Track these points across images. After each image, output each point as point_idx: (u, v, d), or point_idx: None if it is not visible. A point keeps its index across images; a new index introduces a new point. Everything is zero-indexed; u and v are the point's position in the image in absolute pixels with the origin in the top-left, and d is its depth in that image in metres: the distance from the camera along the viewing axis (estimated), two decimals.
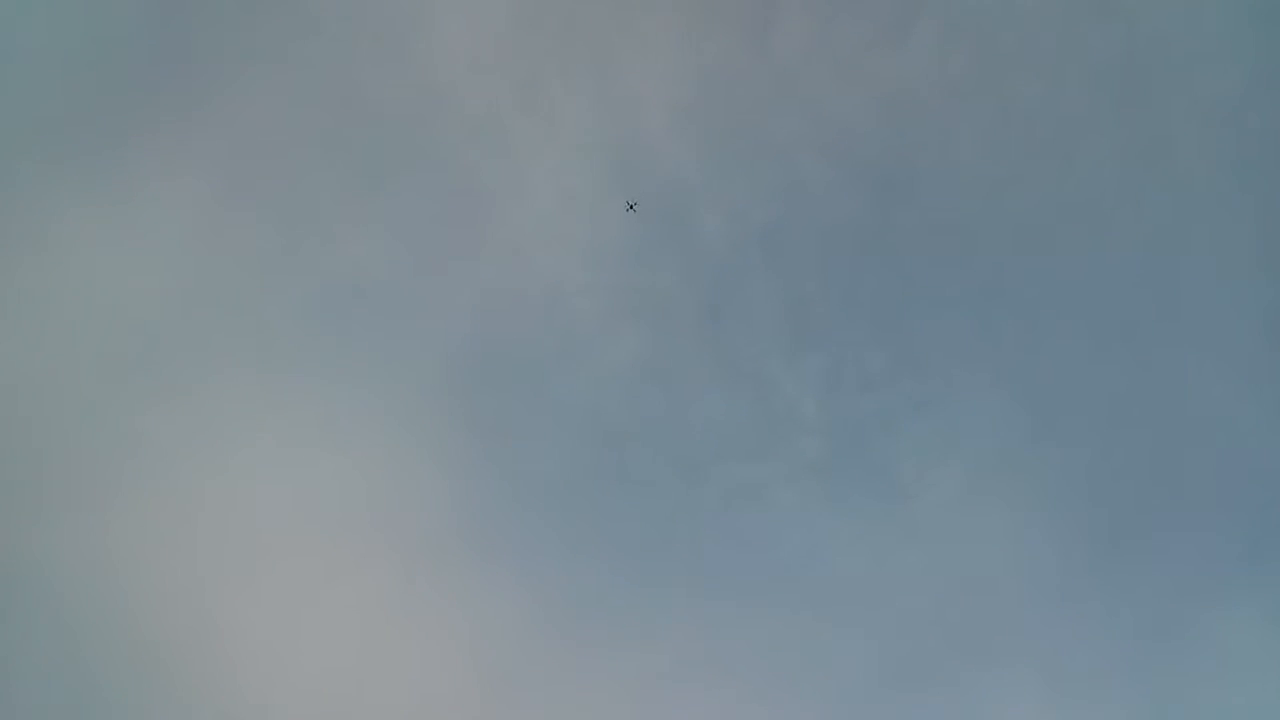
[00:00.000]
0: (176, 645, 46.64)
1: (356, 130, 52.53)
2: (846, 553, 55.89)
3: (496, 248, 53.84)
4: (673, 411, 54.94)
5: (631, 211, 54.50)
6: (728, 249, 55.74)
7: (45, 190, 50.56)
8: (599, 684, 52.08)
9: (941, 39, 56.70)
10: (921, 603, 56.05)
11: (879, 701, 54.25)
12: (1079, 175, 56.70)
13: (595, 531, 54.38)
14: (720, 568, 55.15)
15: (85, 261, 50.18)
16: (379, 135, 52.72)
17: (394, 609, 50.60)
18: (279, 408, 50.58)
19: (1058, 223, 57.35)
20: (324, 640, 49.97)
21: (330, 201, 51.85)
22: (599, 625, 53.20)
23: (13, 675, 45.09)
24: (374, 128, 52.70)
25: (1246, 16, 54.59)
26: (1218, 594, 54.68)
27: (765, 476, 55.56)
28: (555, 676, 51.66)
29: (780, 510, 55.81)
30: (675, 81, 55.70)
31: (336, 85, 52.25)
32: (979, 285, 57.99)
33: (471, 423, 53.25)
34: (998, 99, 56.70)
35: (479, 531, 52.76)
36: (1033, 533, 56.15)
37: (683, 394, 54.95)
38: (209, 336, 49.25)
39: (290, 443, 50.47)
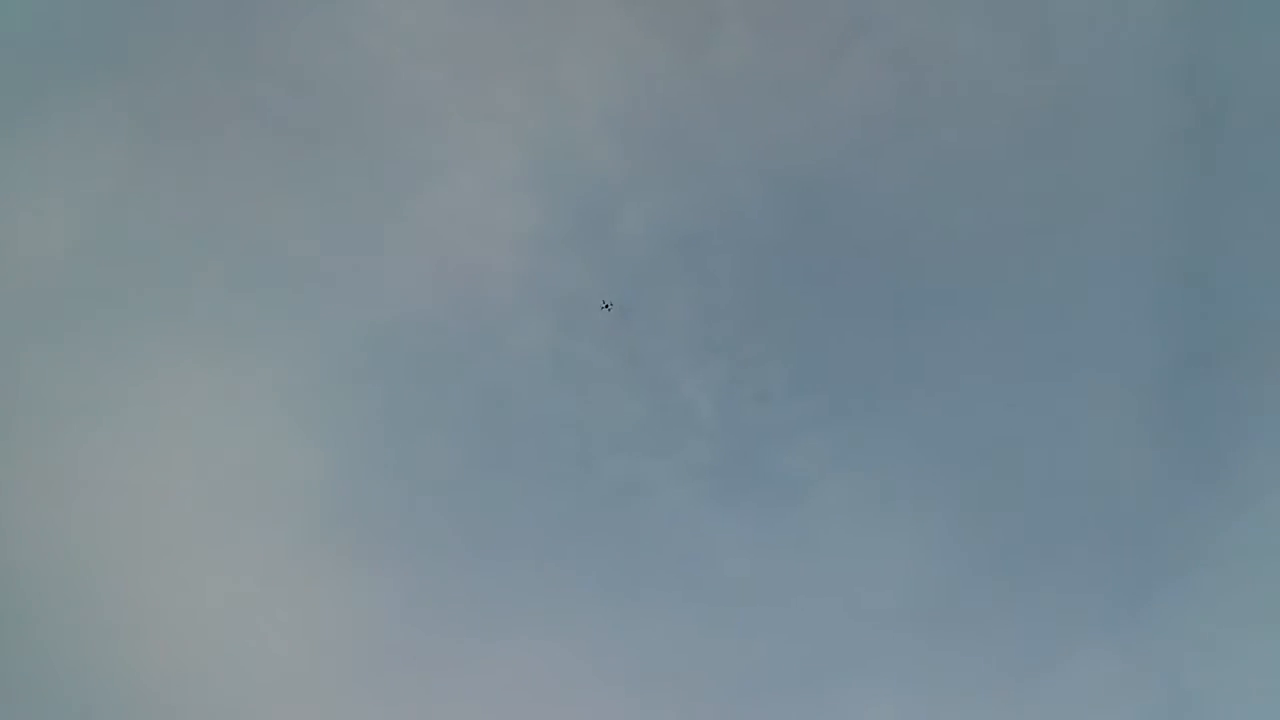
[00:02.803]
0: (46, 610, 48.57)
1: (288, 102, 53.94)
2: (731, 556, 58.14)
3: (417, 231, 55.35)
4: (573, 404, 56.85)
5: (607, 310, 56.26)
6: (646, 253, 57.38)
7: None
8: (475, 678, 54.31)
9: (877, 68, 57.96)
10: (799, 612, 58.29)
11: (747, 705, 56.58)
12: (994, 215, 58.19)
13: (487, 522, 56.43)
14: (607, 564, 57.32)
15: None
16: (310, 109, 54.14)
17: (273, 588, 52.56)
18: (177, 375, 52.24)
19: (971, 259, 58.90)
20: (199, 612, 52.00)
21: (255, 171, 53.32)
22: (481, 617, 55.33)
23: None
24: (306, 101, 54.11)
25: (1168, 78, 55.85)
26: (1084, 632, 56.84)
27: (657, 474, 57.64)
28: (430, 668, 53.80)
29: (669, 509, 57.93)
30: (612, 84, 56.98)
31: (272, 55, 53.61)
32: (889, 312, 59.65)
33: (374, 405, 55.02)
34: (924, 132, 58.03)
35: (370, 516, 54.67)
36: (914, 556, 58.26)
37: (585, 388, 56.81)
38: (113, 297, 50.87)
39: (185, 410, 52.20)
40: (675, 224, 57.27)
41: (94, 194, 49.42)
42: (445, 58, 55.29)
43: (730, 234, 57.98)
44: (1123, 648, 55.32)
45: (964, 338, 59.27)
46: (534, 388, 56.42)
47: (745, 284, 58.39)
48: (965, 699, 56.01)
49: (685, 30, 58.08)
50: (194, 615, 51.07)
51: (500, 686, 53.10)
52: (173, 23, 50.99)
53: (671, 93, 57.72)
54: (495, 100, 55.75)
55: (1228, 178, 56.91)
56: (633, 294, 56.85)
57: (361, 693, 52.64)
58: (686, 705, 55.56)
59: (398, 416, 55.05)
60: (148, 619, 50.43)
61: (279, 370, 52.67)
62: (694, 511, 57.51)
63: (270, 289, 52.39)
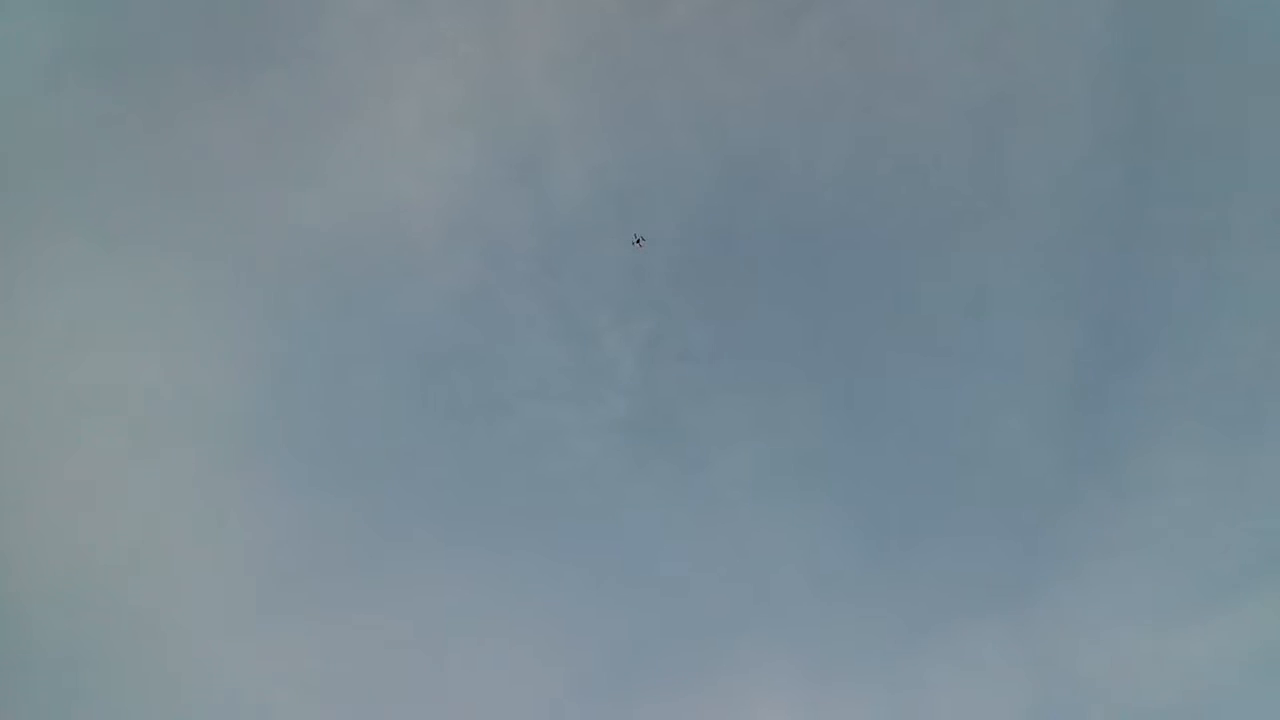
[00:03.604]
0: None
1: (234, 15, 53.04)
2: (634, 511, 58.96)
3: (353, 155, 54.99)
4: (495, 344, 57.10)
5: (638, 245, 56.39)
6: (580, 202, 57.55)
7: None
8: (361, 611, 54.21)
9: (825, 45, 58.63)
10: (699, 572, 59.30)
11: (639, 659, 57.42)
12: (927, 200, 59.17)
13: (398, 454, 56.61)
14: (512, 505, 57.73)
15: None
16: (258, 23, 53.33)
17: (185, 496, 52.20)
18: (104, 277, 51.36)
19: (903, 239, 59.97)
20: (116, 514, 51.54)
21: (199, 82, 52.50)
22: (379, 551, 55.50)
23: None
24: (254, 16, 53.27)
25: (1106, 85, 57.27)
26: (968, 607, 58.49)
27: (571, 423, 58.18)
28: (322, 595, 53.86)
29: (581, 459, 58.50)
30: (560, 31, 56.91)
31: None
32: (818, 284, 60.52)
33: (298, 327, 54.74)
34: (867, 111, 58.84)
35: (283, 436, 54.71)
36: (814, 528, 59.60)
37: (508, 330, 57.05)
38: (40, 196, 49.76)
39: (108, 314, 51.44)
40: (612, 177, 57.60)
41: (25, 91, 48.03)
42: None
43: (666, 193, 58.47)
44: (1003, 623, 57.18)
45: (886, 319, 60.45)
46: (456, 324, 56.59)
47: (676, 243, 58.99)
48: (853, 663, 57.44)
49: None
50: (122, 514, 50.84)
51: (388, 616, 53.47)
52: None
53: (620, 46, 57.80)
54: (438, 33, 55.48)
55: (1151, 186, 58.47)
56: (563, 243, 57.34)
57: (265, 607, 52.68)
58: (576, 654, 56.41)
59: (318, 342, 54.93)
60: (77, 517, 50.05)
61: (199, 287, 52.21)
62: (606, 464, 58.22)
63: (195, 204, 51.77)
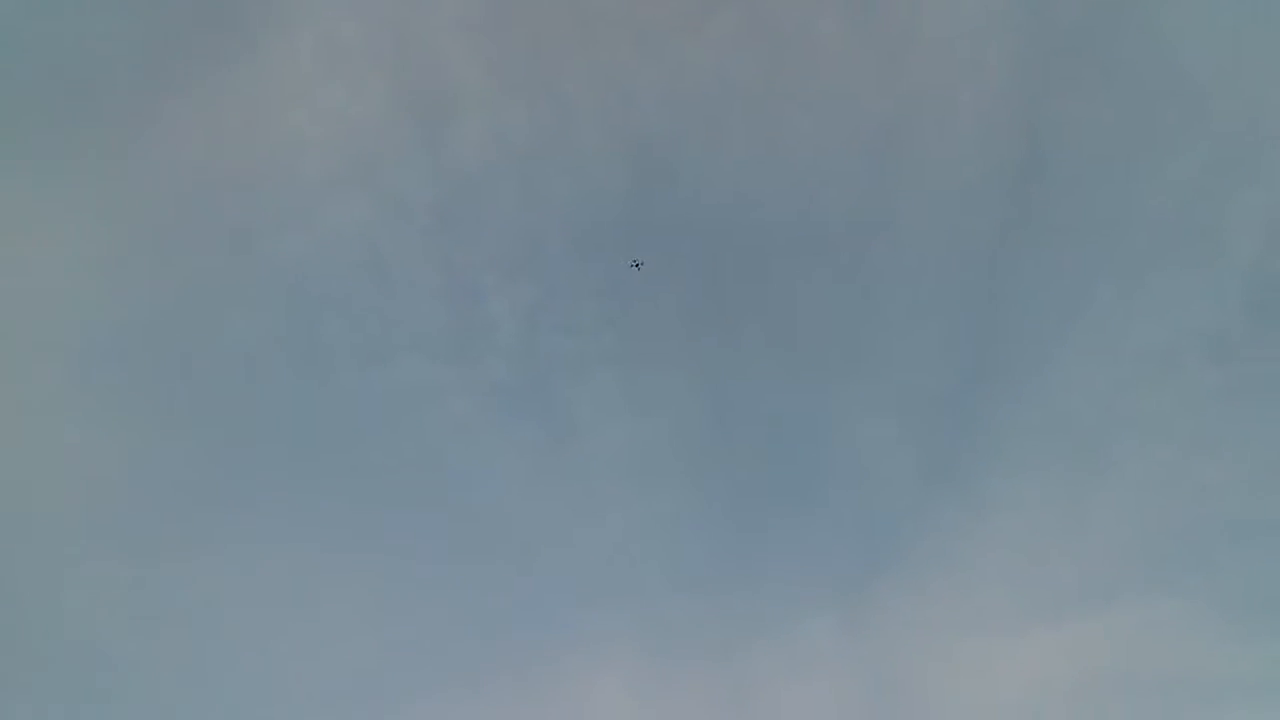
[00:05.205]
0: None
1: None
2: (502, 477, 59.40)
3: (249, 85, 54.49)
4: (376, 295, 57.22)
5: (636, 269, 57.83)
6: (480, 162, 57.96)
7: None
8: (189, 556, 53.36)
9: (734, 42, 59.89)
10: (553, 546, 59.82)
11: (479, 628, 57.46)
12: (820, 202, 60.75)
13: (259, 393, 56.10)
14: (372, 462, 57.65)
15: None
16: None
17: (34, 409, 51.16)
18: None
19: (792, 240, 61.51)
20: None
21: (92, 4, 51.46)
22: (236, 500, 54.72)
23: None
24: None
25: (1006, 108, 59.48)
26: (808, 605, 60.20)
27: (450, 382, 58.46)
28: (149, 533, 53.00)
29: (455, 418, 58.80)
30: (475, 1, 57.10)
31: None
32: (706, 275, 61.79)
33: (172, 256, 54.09)
34: (768, 113, 60.30)
35: (138, 364, 53.84)
36: (672, 511, 60.41)
37: (392, 282, 57.22)
38: None
39: None
40: (514, 141, 58.09)
41: None
42: None
43: (566, 163, 59.08)
44: (840, 623, 58.71)
45: (768, 316, 61.98)
46: (339, 271, 56.53)
47: (572, 214, 59.68)
48: (692, 647, 58.54)
49: None
50: None
51: (220, 560, 53.03)
52: None
53: (536, 17, 58.30)
54: None
55: (1032, 219, 60.76)
56: (458, 201, 57.64)
57: (86, 535, 51.90)
58: (418, 618, 56.33)
59: (191, 273, 54.29)
60: None
61: (72, 210, 51.26)
62: (476, 425, 58.65)
63: (72, 127, 50.65)
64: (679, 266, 61.61)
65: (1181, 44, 57.20)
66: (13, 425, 52.09)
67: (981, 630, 59.09)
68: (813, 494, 61.57)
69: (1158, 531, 55.25)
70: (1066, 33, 59.14)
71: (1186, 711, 51.77)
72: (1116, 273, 59.56)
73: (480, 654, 56.49)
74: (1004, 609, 58.54)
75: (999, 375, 60.95)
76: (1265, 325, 55.10)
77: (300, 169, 55.06)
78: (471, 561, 58.12)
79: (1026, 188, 60.61)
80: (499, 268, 58.78)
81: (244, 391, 56.68)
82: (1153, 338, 56.77)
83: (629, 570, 59.61)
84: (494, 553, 58.61)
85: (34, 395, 53.14)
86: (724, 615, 59.42)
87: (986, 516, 59.47)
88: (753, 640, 59.03)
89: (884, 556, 59.70)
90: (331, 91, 55.10)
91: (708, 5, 58.96)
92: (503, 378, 59.14)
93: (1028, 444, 59.45)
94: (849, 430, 61.79)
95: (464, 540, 58.33)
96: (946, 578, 59.42)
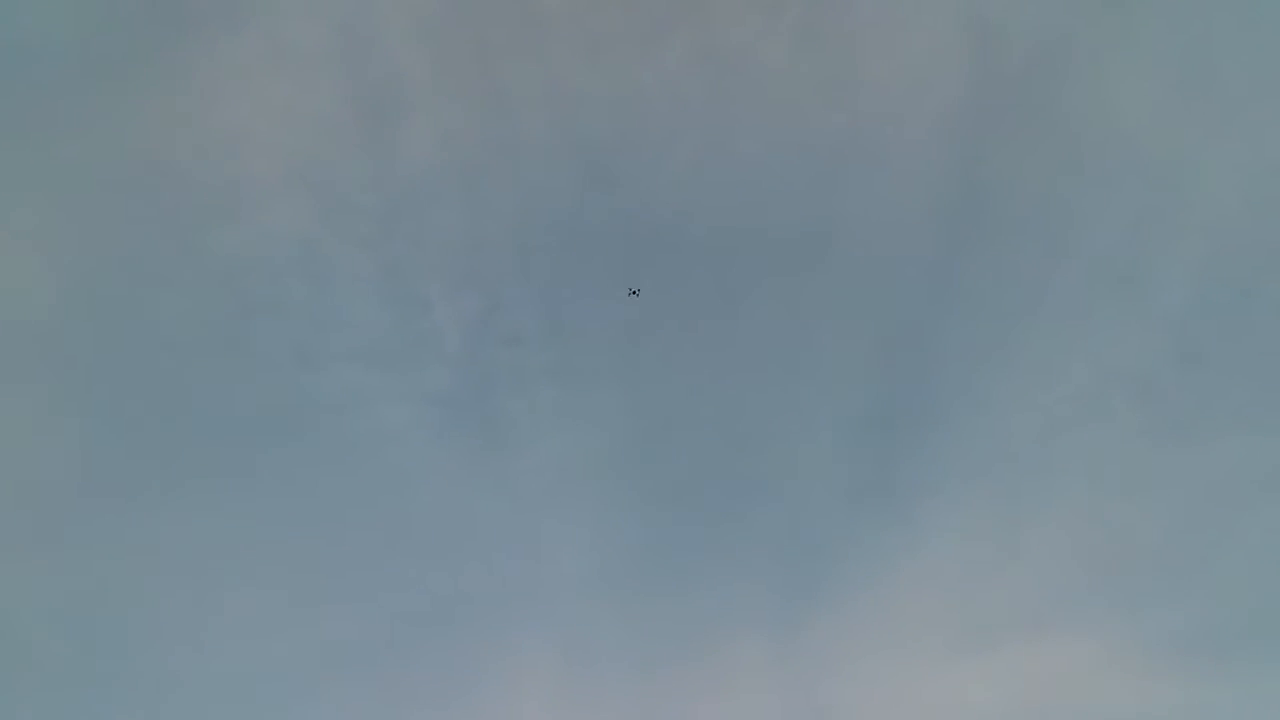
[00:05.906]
0: None
1: None
2: (437, 486, 58.37)
3: (193, 77, 52.32)
4: (315, 298, 55.42)
5: (634, 296, 57.17)
6: (426, 165, 56.61)
7: None
8: (119, 551, 51.73)
9: (689, 61, 59.52)
10: (483, 554, 59.00)
11: (401, 635, 56.52)
12: (762, 221, 60.89)
13: (192, 391, 54.08)
14: (311, 472, 56.14)
15: None
16: None
17: None
18: None
19: (735, 258, 61.57)
20: None
21: None
22: (148, 492, 53.03)
23: None
24: None
25: (952, 147, 60.42)
26: (734, 625, 60.20)
27: (388, 390, 57.17)
28: (95, 526, 51.00)
29: (390, 426, 57.51)
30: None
31: None
32: (652, 289, 61.30)
33: (102, 246, 51.59)
34: (716, 132, 60.15)
35: (62, 352, 51.37)
36: (605, 525, 60.16)
37: (330, 285, 55.46)
38: None
39: None
40: (462, 146, 56.92)
41: None
42: None
43: (514, 173, 58.15)
44: (766, 644, 59.00)
45: (711, 334, 61.91)
46: (276, 271, 54.63)
47: (520, 222, 58.71)
48: (615, 662, 58.14)
49: None
50: None
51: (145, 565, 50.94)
52: None
53: (486, 21, 57.11)
54: None
55: (970, 259, 61.81)
56: (403, 204, 56.07)
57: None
58: (338, 626, 55.24)
59: (123, 265, 51.84)
60: None
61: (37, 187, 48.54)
62: (413, 433, 57.39)
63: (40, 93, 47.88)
64: (626, 274, 61.11)
65: (1120, 91, 58.91)
66: None
67: (909, 656, 59.91)
68: (746, 512, 61.85)
69: (1085, 568, 56.87)
70: (1008, 77, 59.99)
71: None
72: (1051, 313, 61.09)
73: (399, 661, 55.82)
74: (932, 636, 59.43)
75: (936, 404, 61.90)
76: (1190, 370, 57.43)
77: (241, 165, 53.16)
78: (393, 567, 56.91)
79: (964, 224, 61.54)
80: (443, 275, 57.93)
81: (170, 381, 54.56)
82: (1083, 378, 58.44)
83: (555, 582, 59.25)
84: (419, 560, 57.59)
85: None
86: (650, 630, 59.48)
87: (919, 543, 60.38)
88: (678, 657, 59.08)
89: (815, 576, 60.20)
90: (276, 86, 53.15)
91: (659, 19, 58.57)
92: (444, 387, 58.27)
93: (961, 474, 60.39)
94: (785, 449, 62.14)
95: (386, 546, 57.06)
96: (877, 602, 60.16)
